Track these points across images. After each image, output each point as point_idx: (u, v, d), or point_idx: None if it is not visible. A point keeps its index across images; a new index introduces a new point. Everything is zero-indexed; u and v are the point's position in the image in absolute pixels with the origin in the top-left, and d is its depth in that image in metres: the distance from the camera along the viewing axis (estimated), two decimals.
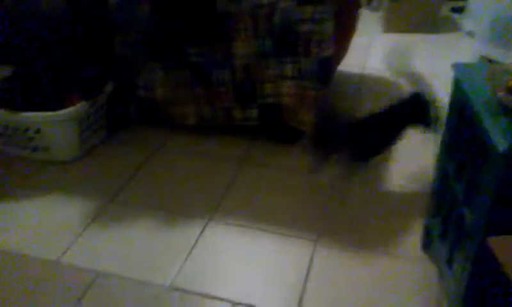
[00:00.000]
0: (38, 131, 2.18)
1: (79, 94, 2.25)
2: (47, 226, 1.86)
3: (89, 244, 1.77)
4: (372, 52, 3.36)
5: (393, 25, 3.72)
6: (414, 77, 2.07)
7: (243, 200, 1.97)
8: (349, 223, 1.83)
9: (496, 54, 3.04)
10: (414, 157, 2.23)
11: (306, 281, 1.59)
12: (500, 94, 1.21)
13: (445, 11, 4.05)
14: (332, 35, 2.07)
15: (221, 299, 1.53)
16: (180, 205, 1.95)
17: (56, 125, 2.17)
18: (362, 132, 1.87)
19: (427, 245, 1.67)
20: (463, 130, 1.36)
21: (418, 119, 1.94)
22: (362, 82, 2.95)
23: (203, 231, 1.81)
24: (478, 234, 1.20)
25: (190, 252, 1.72)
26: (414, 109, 1.94)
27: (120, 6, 2.16)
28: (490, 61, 3.03)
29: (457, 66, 1.41)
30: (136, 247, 1.75)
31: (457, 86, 1.40)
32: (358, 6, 2.80)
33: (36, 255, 1.72)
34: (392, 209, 1.91)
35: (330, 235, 1.77)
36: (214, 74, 2.19)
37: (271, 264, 1.67)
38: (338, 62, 2.56)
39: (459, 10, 3.99)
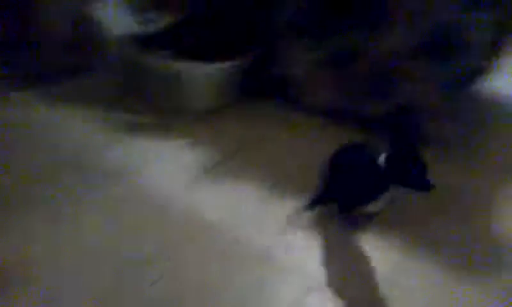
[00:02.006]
0: (181, 80, 2.34)
1: (225, 52, 2.37)
2: (166, 168, 1.97)
3: (203, 193, 1.83)
4: None
5: None
6: None
7: None
8: None
9: None
10: None
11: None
12: None
13: None
14: (490, 46, 1.96)
15: None
16: (289, 180, 1.93)
17: (198, 77, 2.32)
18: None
19: None
20: None
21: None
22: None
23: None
24: None
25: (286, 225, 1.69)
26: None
27: None
28: None
29: None
30: (244, 205, 1.77)
31: None
32: None
33: (146, 194, 1.81)
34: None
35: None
36: (355, 62, 2.16)
37: None
38: (486, 75, 2.35)
39: None
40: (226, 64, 2.33)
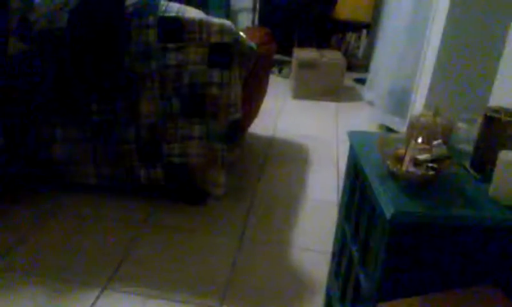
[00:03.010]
0: None
1: None
2: None
3: None
4: (282, 117, 3.48)
5: (301, 92, 3.94)
6: None
7: (142, 266, 1.91)
8: (253, 286, 1.80)
9: (393, 122, 3.26)
10: (321, 217, 2.26)
11: None
12: (388, 161, 1.25)
13: (348, 81, 4.37)
14: (240, 99, 2.10)
15: None
16: (72, 273, 1.85)
17: None
18: None
19: None
20: (357, 194, 1.40)
21: None
22: (271, 144, 3.00)
23: (96, 300, 1.71)
24: (372, 298, 1.21)
25: None
26: None
27: (19, 58, 2.08)
28: (388, 128, 3.24)
29: (351, 134, 1.46)
30: None
31: (352, 152, 1.44)
32: (268, 73, 2.90)
33: None
34: (297, 271, 1.91)
35: (233, 299, 1.73)
36: (118, 132, 2.15)
37: None
38: (247, 125, 2.61)
39: (362, 81, 4.36)
40: None
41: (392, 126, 3.29)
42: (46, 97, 2.12)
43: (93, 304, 1.69)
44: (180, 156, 2.16)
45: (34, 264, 1.85)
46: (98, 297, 1.71)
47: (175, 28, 1.99)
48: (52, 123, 2.17)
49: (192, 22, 1.98)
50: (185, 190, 2.28)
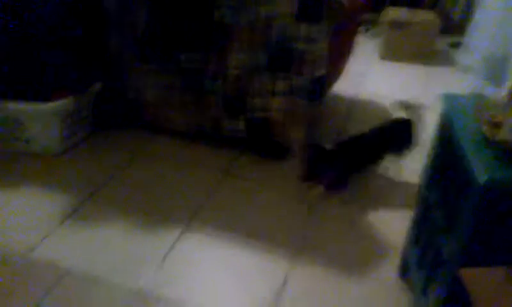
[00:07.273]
0: (19, 122, 2.18)
1: (66, 89, 2.26)
2: (19, 219, 1.88)
3: (62, 241, 1.78)
4: (367, 78, 3.37)
5: (390, 53, 3.77)
6: (410, 106, 2.12)
7: (222, 211, 1.99)
8: (327, 244, 1.82)
9: (489, 89, 3.05)
10: (398, 183, 2.21)
11: (278, 300, 1.58)
12: (485, 127, 1.20)
13: (442, 44, 4.10)
14: (326, 55, 2.06)
15: None
16: (158, 210, 1.96)
17: (39, 118, 2.18)
18: (348, 150, 1.96)
19: (404, 272, 1.66)
20: (447, 160, 1.36)
21: (402, 144, 2.04)
22: (355, 105, 2.93)
23: (178, 238, 1.82)
24: (454, 264, 1.19)
25: (164, 258, 1.72)
26: (401, 134, 2.02)
27: (116, 6, 2.17)
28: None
29: (445, 98, 1.41)
30: (109, 248, 1.76)
31: (445, 117, 1.39)
32: (356, 31, 2.81)
33: (5, 249, 1.70)
34: (371, 233, 1.90)
35: (306, 254, 1.77)
36: (206, 82, 2.21)
37: (244, 278, 1.67)
38: (331, 83, 2.55)
39: (456, 45, 4.06)
40: (67, 101, 2.23)
41: (486, 94, 3.10)
42: (140, 44, 2.20)
43: (176, 240, 1.80)
44: (262, 110, 2.20)
45: (123, 200, 2.00)
46: (180, 235, 1.83)
47: None
48: (145, 69, 2.27)
49: None
50: (266, 144, 2.31)
